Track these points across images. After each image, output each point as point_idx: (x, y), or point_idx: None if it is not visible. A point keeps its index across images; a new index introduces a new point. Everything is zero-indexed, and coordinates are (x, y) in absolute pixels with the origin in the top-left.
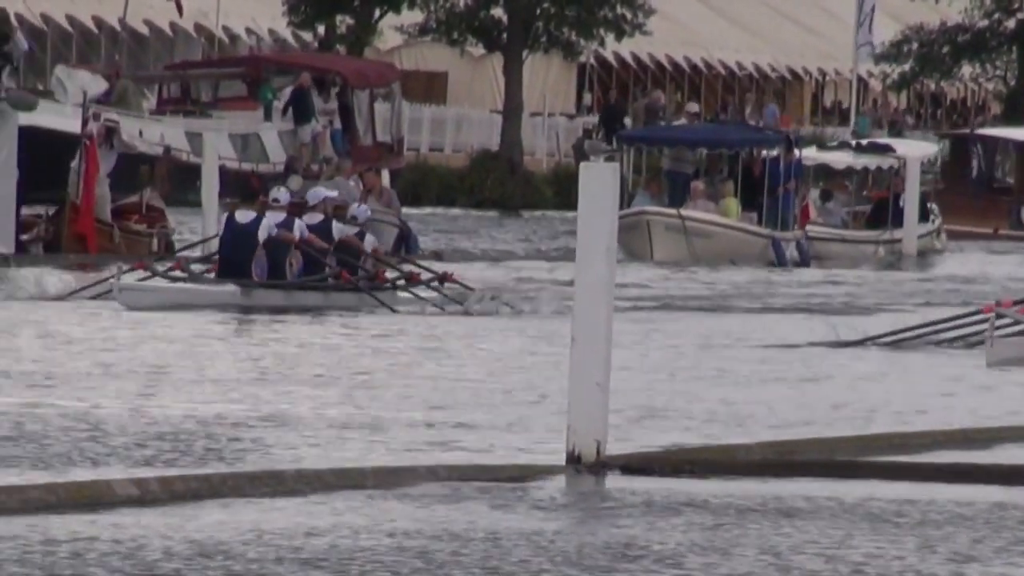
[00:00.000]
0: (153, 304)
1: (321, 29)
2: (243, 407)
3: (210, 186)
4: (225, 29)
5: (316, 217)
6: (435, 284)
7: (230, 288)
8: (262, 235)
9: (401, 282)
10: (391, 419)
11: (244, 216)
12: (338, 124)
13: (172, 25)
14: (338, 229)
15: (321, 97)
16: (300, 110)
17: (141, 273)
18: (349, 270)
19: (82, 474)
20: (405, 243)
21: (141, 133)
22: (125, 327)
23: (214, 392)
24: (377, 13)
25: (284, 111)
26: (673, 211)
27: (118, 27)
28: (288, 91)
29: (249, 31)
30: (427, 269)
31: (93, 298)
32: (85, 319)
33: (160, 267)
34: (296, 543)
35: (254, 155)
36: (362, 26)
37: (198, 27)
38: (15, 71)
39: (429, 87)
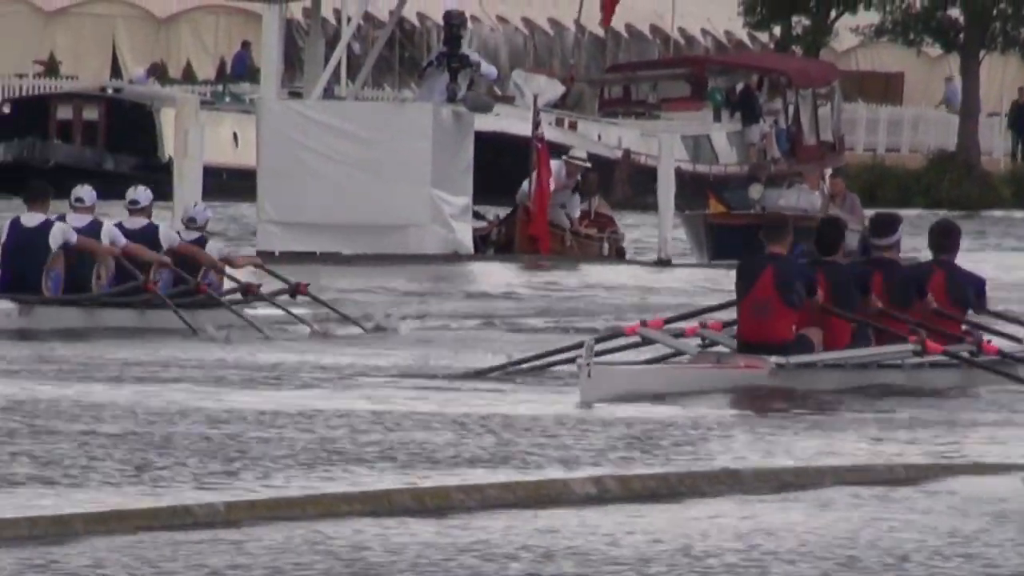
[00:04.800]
0: None
1: (776, 30)
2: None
3: (667, 189)
4: (681, 31)
5: (138, 221)
6: (282, 299)
7: (4, 306)
8: (53, 242)
9: (236, 296)
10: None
11: (31, 219)
12: (783, 123)
13: (628, 27)
14: (167, 236)
15: (766, 97)
16: (747, 110)
17: None
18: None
19: (539, 473)
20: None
21: (600, 136)
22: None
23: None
24: (833, 14)
25: (732, 112)
26: None
27: (574, 29)
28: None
29: (704, 32)
30: (280, 278)
31: None
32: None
33: None
34: (745, 542)
35: (705, 157)
36: (817, 27)
37: (653, 28)
38: (471, 75)
39: (886, 88)
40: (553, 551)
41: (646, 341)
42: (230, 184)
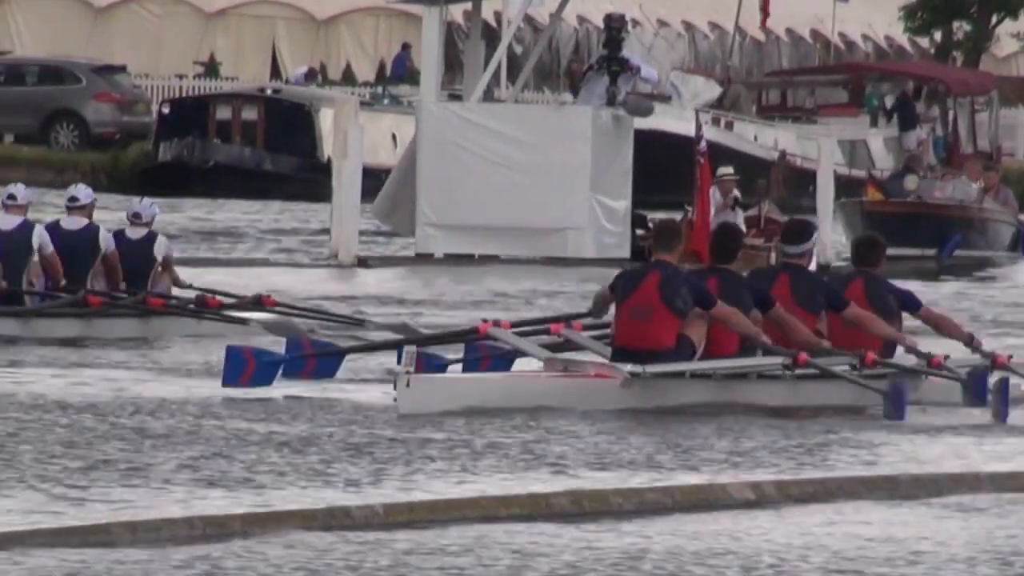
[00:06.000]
0: None
1: (937, 35)
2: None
3: (826, 192)
4: (841, 35)
5: (78, 221)
6: (233, 314)
7: None
8: None
9: (191, 307)
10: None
11: None
12: (940, 131)
13: (789, 31)
14: (107, 239)
15: (923, 104)
16: (904, 117)
17: None
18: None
19: (696, 477)
20: (1022, 243)
21: (756, 137)
22: None
23: None
24: (994, 19)
25: (888, 118)
26: None
27: (733, 32)
28: (891, 98)
29: (865, 37)
30: (231, 294)
31: None
32: None
33: None
34: (904, 548)
35: (861, 161)
36: (978, 32)
37: (814, 33)
38: (630, 78)
39: None
40: (715, 553)
41: (490, 340)
42: None
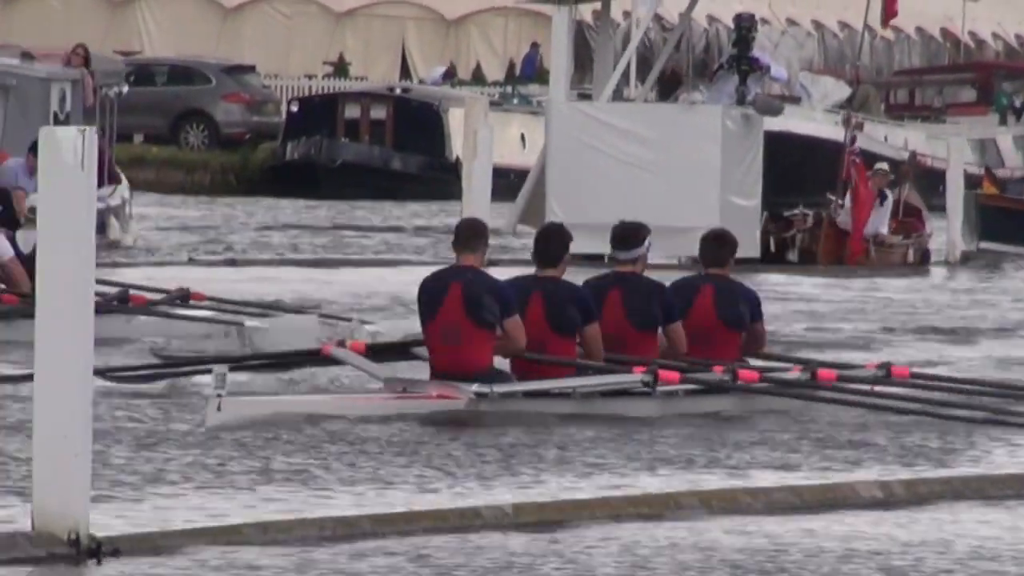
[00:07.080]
0: None
1: None
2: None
3: (955, 191)
4: (971, 34)
5: None
6: (161, 309)
7: None
8: None
9: (114, 304)
10: None
11: None
12: None
13: (918, 30)
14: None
15: None
16: None
17: None
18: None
19: (829, 476)
20: None
21: (886, 138)
22: None
23: None
24: None
25: (1017, 116)
26: None
27: (862, 31)
28: (1020, 96)
29: (995, 36)
30: (156, 290)
31: None
32: None
33: None
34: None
35: (990, 160)
36: None
37: (944, 32)
38: (760, 78)
39: None
40: (847, 551)
41: (336, 363)
42: (517, 185)
